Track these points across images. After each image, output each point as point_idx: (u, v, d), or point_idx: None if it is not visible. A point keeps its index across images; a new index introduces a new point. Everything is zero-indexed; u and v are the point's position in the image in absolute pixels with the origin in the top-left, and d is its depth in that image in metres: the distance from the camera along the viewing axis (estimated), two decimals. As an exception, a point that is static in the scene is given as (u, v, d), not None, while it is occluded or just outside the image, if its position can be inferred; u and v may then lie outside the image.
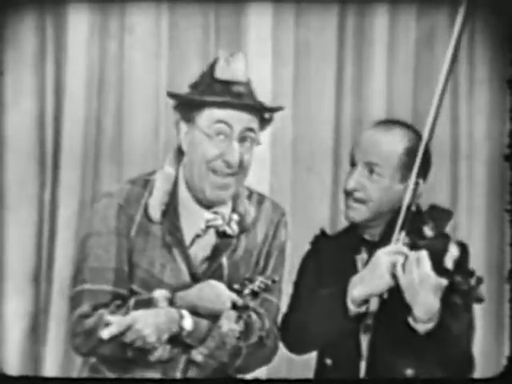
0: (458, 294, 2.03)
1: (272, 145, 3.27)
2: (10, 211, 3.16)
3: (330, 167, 3.25)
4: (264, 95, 3.23)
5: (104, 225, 2.20)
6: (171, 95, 2.26)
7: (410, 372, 2.20)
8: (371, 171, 2.26)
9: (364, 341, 2.24)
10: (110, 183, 3.08)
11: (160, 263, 2.19)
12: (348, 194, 2.29)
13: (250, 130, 2.20)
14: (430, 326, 2.08)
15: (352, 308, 2.15)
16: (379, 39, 3.30)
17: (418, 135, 2.28)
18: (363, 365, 2.23)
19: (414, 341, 2.11)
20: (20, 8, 3.13)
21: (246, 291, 2.24)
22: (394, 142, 2.27)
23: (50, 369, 3.12)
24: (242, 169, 2.20)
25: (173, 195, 2.24)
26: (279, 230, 2.36)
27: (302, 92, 3.31)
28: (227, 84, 2.20)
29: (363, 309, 2.17)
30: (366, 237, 2.31)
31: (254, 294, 2.26)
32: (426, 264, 2.04)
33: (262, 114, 2.24)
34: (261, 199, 2.37)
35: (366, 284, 2.14)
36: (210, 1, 3.25)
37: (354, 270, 2.25)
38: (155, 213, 2.20)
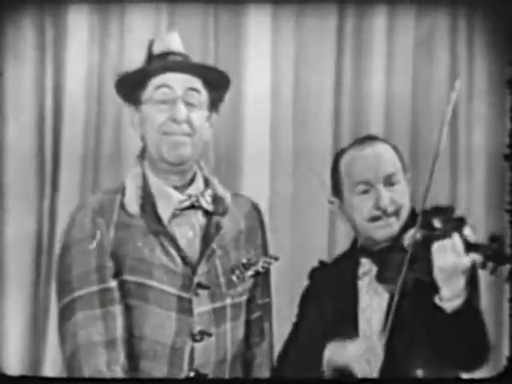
0: (484, 261, 2.04)
1: (272, 145, 3.28)
2: (10, 214, 3.16)
3: (329, 168, 3.25)
4: (263, 96, 3.28)
5: (81, 232, 2.23)
6: (116, 79, 2.33)
7: (419, 373, 2.20)
8: (391, 183, 2.25)
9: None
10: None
11: (148, 248, 2.23)
12: (383, 213, 2.25)
13: (194, 89, 2.27)
14: (457, 302, 2.06)
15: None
16: (378, 40, 3.31)
17: (381, 140, 2.35)
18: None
19: (440, 320, 2.09)
20: (20, 8, 3.13)
21: (250, 273, 2.28)
22: (386, 149, 2.30)
23: (49, 369, 3.12)
24: (193, 129, 2.25)
25: (145, 188, 2.29)
26: (258, 224, 2.41)
27: (301, 93, 3.31)
28: (163, 55, 2.29)
29: None
30: (374, 248, 2.30)
31: (257, 275, 2.32)
32: (461, 250, 2.04)
33: (205, 75, 2.29)
34: (237, 194, 2.44)
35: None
36: (210, 2, 3.26)
37: (354, 296, 2.27)
38: (133, 208, 2.25)
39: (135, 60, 3.14)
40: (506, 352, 2.55)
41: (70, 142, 3.22)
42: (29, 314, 3.17)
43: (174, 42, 2.32)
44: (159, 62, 2.28)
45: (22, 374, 3.02)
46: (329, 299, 2.29)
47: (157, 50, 2.30)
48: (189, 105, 2.25)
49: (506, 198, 2.77)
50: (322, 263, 2.42)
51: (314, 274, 2.41)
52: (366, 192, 2.26)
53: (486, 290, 2.27)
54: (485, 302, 2.24)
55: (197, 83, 2.28)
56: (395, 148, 2.33)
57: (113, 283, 2.20)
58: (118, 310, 2.20)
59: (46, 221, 3.21)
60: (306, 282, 2.41)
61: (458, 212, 2.17)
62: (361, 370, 2.13)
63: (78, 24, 3.21)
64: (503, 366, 2.46)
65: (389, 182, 2.25)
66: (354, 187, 2.27)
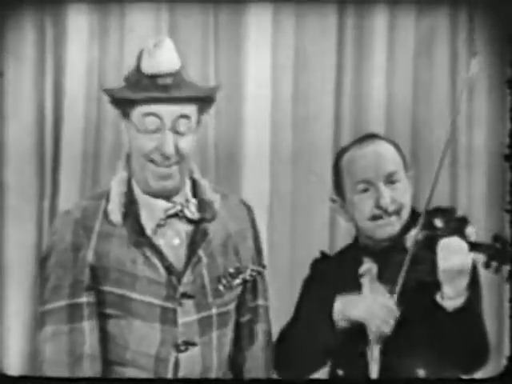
0: (488, 260, 2.04)
1: (272, 144, 3.28)
2: (10, 214, 3.16)
3: (329, 169, 3.25)
4: (263, 95, 3.29)
5: (61, 242, 2.18)
6: (106, 91, 2.26)
7: (421, 373, 2.20)
8: (392, 181, 2.25)
9: (375, 348, 2.23)
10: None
11: (130, 260, 2.17)
12: (384, 212, 2.24)
13: (184, 117, 2.16)
14: (458, 302, 2.06)
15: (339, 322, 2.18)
16: (378, 40, 3.31)
17: (382, 138, 2.35)
18: (375, 371, 2.22)
19: (441, 319, 2.09)
20: (20, 9, 3.13)
21: (237, 281, 2.25)
22: (386, 147, 2.30)
23: (49, 369, 3.12)
24: (181, 157, 2.16)
25: (130, 195, 2.22)
26: (249, 225, 2.36)
27: (301, 93, 3.31)
28: (153, 78, 2.15)
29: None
30: (375, 247, 2.29)
31: (245, 283, 2.28)
32: (465, 249, 2.04)
33: (197, 99, 2.20)
34: (226, 195, 2.35)
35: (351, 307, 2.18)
36: (210, 1, 3.26)
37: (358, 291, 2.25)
38: (116, 216, 2.19)
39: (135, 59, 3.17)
40: (506, 352, 2.55)
41: (70, 141, 3.22)
42: (29, 314, 3.16)
43: (164, 61, 2.16)
44: (146, 90, 2.16)
45: (21, 373, 3.02)
46: (331, 293, 2.27)
47: (145, 68, 2.16)
48: (178, 133, 2.16)
49: (507, 198, 2.77)
50: (323, 254, 2.41)
51: (315, 265, 2.40)
52: (366, 191, 2.25)
53: (486, 290, 2.26)
54: (485, 302, 2.24)
55: (187, 109, 2.17)
56: (396, 146, 2.32)
57: (84, 299, 2.16)
58: (86, 326, 2.16)
59: (46, 221, 3.21)
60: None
61: (459, 213, 2.17)
62: (375, 327, 2.13)
63: (78, 24, 3.21)
64: (503, 365, 2.45)
65: (390, 180, 2.24)
66: (355, 186, 2.26)
